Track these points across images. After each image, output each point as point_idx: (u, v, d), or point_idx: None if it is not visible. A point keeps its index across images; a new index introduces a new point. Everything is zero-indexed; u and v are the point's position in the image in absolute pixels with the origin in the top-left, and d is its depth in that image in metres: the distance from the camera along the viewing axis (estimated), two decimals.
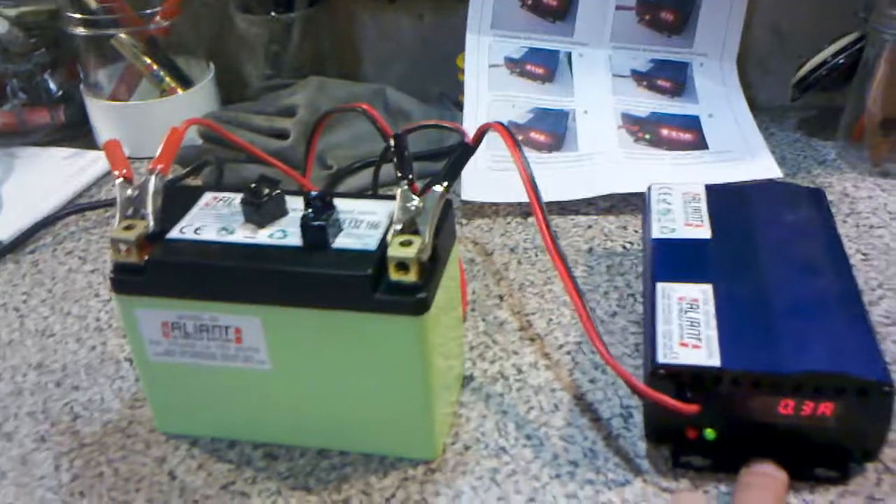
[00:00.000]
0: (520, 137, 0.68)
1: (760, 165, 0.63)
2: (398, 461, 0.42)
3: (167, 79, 0.74)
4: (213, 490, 0.42)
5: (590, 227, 0.62)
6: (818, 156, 0.68)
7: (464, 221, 0.63)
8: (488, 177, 0.65)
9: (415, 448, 0.42)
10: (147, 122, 0.74)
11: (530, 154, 0.67)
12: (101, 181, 0.73)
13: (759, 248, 0.47)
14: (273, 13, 0.76)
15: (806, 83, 0.68)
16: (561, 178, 0.65)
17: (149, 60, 0.74)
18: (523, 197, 0.44)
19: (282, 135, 0.69)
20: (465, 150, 0.41)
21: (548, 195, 0.63)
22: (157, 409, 0.45)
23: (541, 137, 0.68)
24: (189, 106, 0.75)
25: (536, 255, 0.58)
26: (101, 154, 0.73)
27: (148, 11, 0.72)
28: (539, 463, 0.42)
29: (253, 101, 0.76)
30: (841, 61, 0.67)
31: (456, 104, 0.76)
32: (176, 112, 0.73)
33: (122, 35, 0.72)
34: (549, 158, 0.67)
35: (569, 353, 0.49)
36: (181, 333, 0.41)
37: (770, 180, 0.61)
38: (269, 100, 0.74)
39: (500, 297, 0.55)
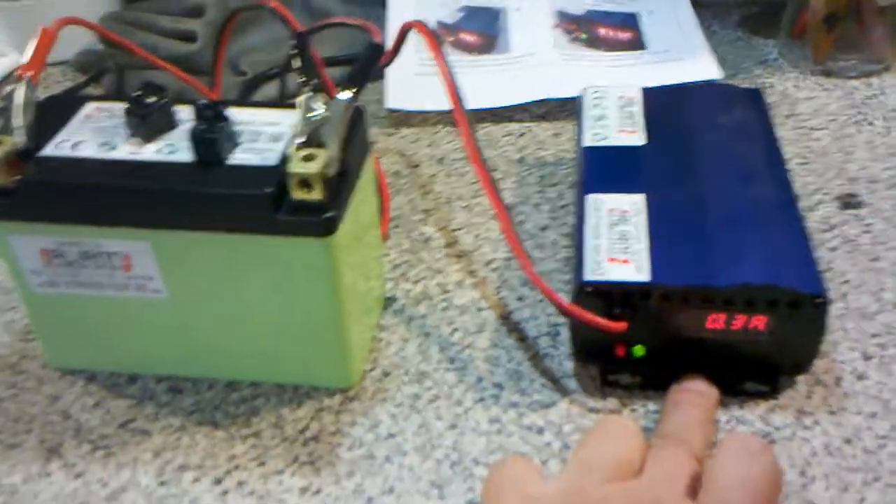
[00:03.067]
0: (449, 39, 0.63)
1: (700, 66, 0.60)
2: (313, 391, 0.40)
3: None
4: (111, 428, 0.39)
5: (522, 134, 0.58)
6: (759, 54, 0.65)
7: (390, 131, 0.59)
8: (415, 82, 0.60)
9: (330, 376, 0.40)
10: (40, 20, 0.67)
11: (460, 57, 0.63)
12: None
13: (695, 154, 0.44)
14: None
15: None
16: (493, 82, 0.61)
17: None
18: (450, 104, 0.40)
19: (189, 37, 0.64)
20: (374, 52, 0.37)
21: (478, 101, 0.60)
22: (46, 344, 0.41)
23: (471, 38, 0.64)
24: (88, 3, 0.67)
25: (465, 167, 0.55)
26: None
27: None
28: (462, 387, 0.40)
29: (158, 0, 0.69)
30: None
31: (382, 3, 0.71)
32: (72, 11, 0.66)
33: None
34: (481, 61, 0.63)
35: (496, 269, 0.47)
36: (63, 262, 0.37)
37: (709, 81, 0.58)
38: None
39: (426, 212, 0.51)
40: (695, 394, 0.37)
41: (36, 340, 0.43)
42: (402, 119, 0.60)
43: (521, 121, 0.59)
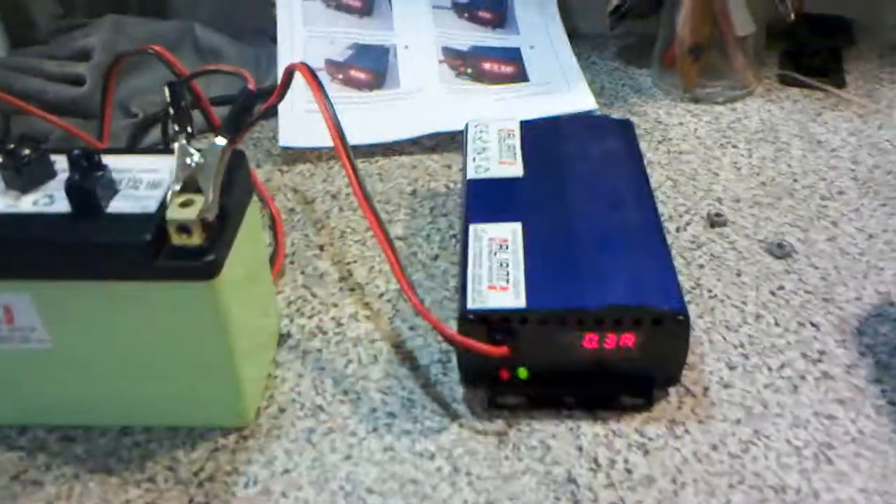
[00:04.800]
0: (339, 76, 0.65)
1: (577, 97, 0.63)
2: (208, 431, 0.40)
3: None
4: (2, 481, 0.38)
5: (414, 167, 0.60)
6: (635, 84, 0.69)
7: (284, 168, 0.60)
8: (306, 119, 0.62)
9: (224, 417, 0.40)
10: None
11: (350, 94, 0.64)
12: None
13: (568, 183, 0.47)
14: None
15: (620, 11, 0.69)
16: (384, 117, 0.63)
17: None
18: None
19: (77, 81, 0.63)
20: (247, 98, 0.38)
21: (370, 136, 0.61)
22: None
23: (361, 75, 0.65)
24: None
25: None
26: None
27: None
28: (356, 418, 0.41)
29: (44, 45, 0.68)
30: None
31: (273, 40, 0.72)
32: None
33: None
34: (371, 97, 0.64)
35: (389, 300, 0.48)
36: None
37: (584, 112, 0.62)
38: (61, 42, 0.67)
39: (321, 247, 0.53)
40: None
41: None
42: (297, 156, 0.61)
43: (411, 153, 0.61)
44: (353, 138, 0.44)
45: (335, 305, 0.48)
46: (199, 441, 0.40)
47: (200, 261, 0.34)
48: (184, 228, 0.34)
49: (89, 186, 0.34)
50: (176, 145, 0.35)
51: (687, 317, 0.39)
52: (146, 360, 0.38)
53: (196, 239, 0.34)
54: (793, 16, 0.64)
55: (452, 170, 0.60)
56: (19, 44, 0.71)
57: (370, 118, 0.62)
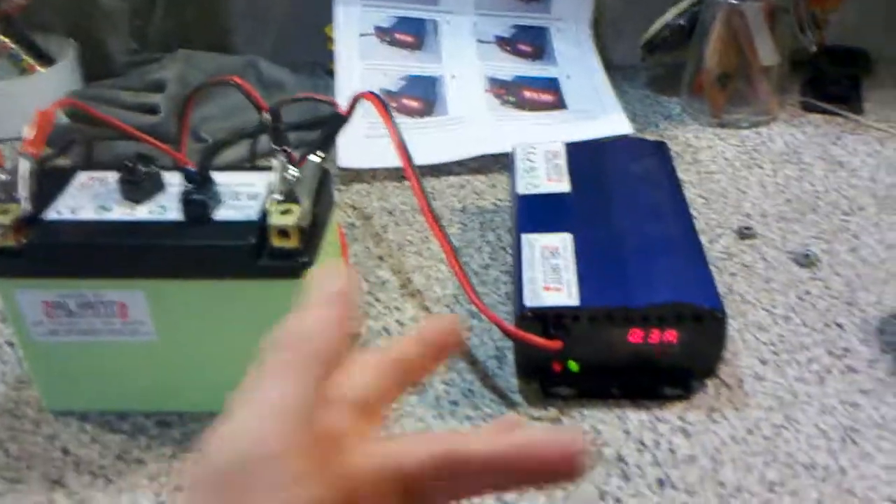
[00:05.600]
0: (392, 105, 0.70)
1: (613, 122, 0.68)
2: None
3: (26, 57, 0.72)
4: (109, 460, 0.43)
5: (462, 186, 0.65)
6: (665, 110, 0.74)
7: (342, 188, 0.65)
8: (364, 143, 0.67)
9: None
10: (7, 102, 0.72)
11: (403, 120, 0.70)
12: None
13: (611, 197, 0.52)
14: None
15: (652, 44, 0.74)
16: (433, 141, 0.68)
17: (5, 39, 0.71)
18: (398, 162, 0.47)
19: (151, 110, 0.69)
20: (337, 121, 0.44)
21: (421, 159, 0.66)
22: (43, 389, 0.45)
23: (413, 103, 0.71)
24: (50, 84, 0.73)
25: (413, 217, 0.61)
26: None
27: None
28: (423, 406, 0.45)
29: (119, 77, 0.74)
30: (681, 23, 0.72)
31: (328, 73, 0.77)
32: (37, 91, 0.71)
33: None
34: (422, 123, 0.70)
35: (447, 305, 0.53)
36: (64, 312, 0.41)
37: (622, 135, 0.67)
38: (136, 75, 0.73)
39: (381, 258, 0.58)
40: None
41: (32, 387, 0.47)
42: (353, 176, 0.67)
43: (459, 174, 0.66)
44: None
45: (398, 309, 0.53)
46: None
47: (296, 261, 0.39)
48: (283, 232, 0.39)
49: (202, 198, 0.39)
50: (276, 162, 0.40)
51: (724, 313, 0.43)
52: (239, 351, 0.43)
53: (293, 242, 0.39)
54: (814, 47, 0.69)
55: (497, 189, 0.65)
56: (94, 76, 0.77)
57: (421, 142, 0.67)
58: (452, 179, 0.66)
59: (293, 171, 0.40)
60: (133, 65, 0.76)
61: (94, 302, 0.41)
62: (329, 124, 0.43)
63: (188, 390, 0.45)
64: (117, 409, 0.46)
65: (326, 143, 0.42)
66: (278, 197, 0.40)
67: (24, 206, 0.40)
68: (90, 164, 0.68)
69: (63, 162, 0.68)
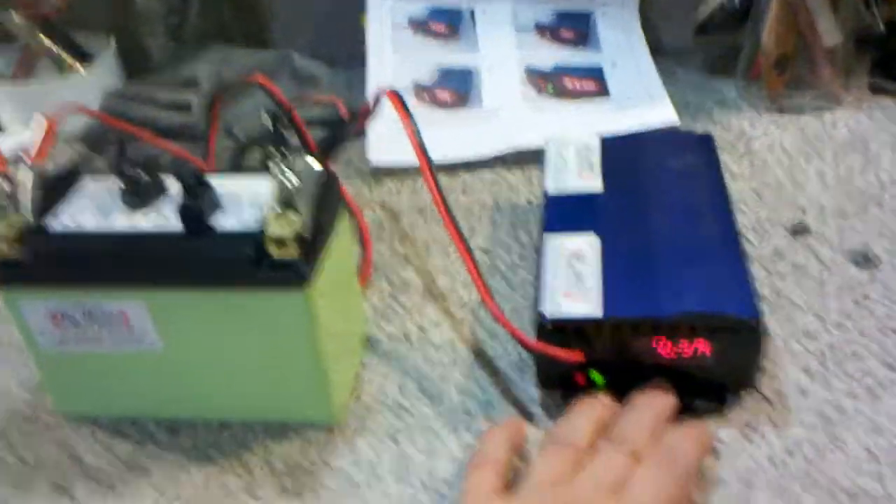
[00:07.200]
0: (426, 97, 0.68)
1: (659, 112, 0.64)
2: (300, 427, 0.43)
3: (66, 57, 0.73)
4: (117, 469, 0.42)
5: (496, 182, 0.62)
6: (719, 96, 0.69)
7: (372, 184, 0.63)
8: (395, 137, 0.65)
9: (314, 413, 0.43)
10: (51, 101, 0.73)
11: (437, 113, 0.67)
12: None
13: (646, 197, 0.48)
14: None
15: (706, 26, 0.69)
16: (467, 135, 0.65)
17: (46, 39, 0.72)
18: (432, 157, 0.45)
19: (186, 107, 0.69)
20: (339, 125, 0.42)
21: (455, 153, 0.64)
22: (54, 394, 0.45)
23: (447, 96, 0.68)
24: (91, 82, 0.73)
25: None
26: None
27: None
28: (437, 418, 0.43)
29: (156, 74, 0.75)
30: (736, 3, 0.68)
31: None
32: (79, 89, 0.72)
33: (15, 15, 0.70)
34: (456, 116, 0.67)
35: (471, 309, 0.51)
36: (70, 322, 0.41)
37: (664, 128, 0.62)
38: (172, 71, 0.73)
39: (406, 258, 0.55)
40: (650, 397, 0.40)
41: (45, 392, 0.47)
42: (385, 172, 0.64)
43: (493, 168, 0.63)
44: (438, 155, 0.46)
45: (419, 313, 0.51)
46: (292, 435, 0.43)
47: (295, 272, 0.38)
48: (281, 242, 0.37)
49: (198, 208, 0.38)
50: (274, 168, 0.38)
51: (760, 323, 0.39)
52: (245, 361, 0.42)
53: (292, 252, 0.37)
54: (882, 26, 0.63)
55: (533, 185, 0.62)
56: (134, 72, 0.78)
57: (455, 136, 0.65)
58: (486, 175, 0.63)
59: (292, 178, 0.38)
60: (169, 61, 0.76)
61: (98, 312, 0.40)
62: (330, 129, 0.41)
63: (196, 398, 0.44)
64: (128, 415, 0.45)
65: (327, 149, 0.40)
66: (276, 205, 0.38)
67: (27, 215, 0.40)
68: (122, 163, 0.68)
69: (98, 161, 0.69)
